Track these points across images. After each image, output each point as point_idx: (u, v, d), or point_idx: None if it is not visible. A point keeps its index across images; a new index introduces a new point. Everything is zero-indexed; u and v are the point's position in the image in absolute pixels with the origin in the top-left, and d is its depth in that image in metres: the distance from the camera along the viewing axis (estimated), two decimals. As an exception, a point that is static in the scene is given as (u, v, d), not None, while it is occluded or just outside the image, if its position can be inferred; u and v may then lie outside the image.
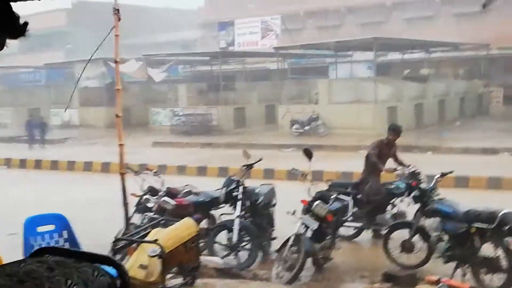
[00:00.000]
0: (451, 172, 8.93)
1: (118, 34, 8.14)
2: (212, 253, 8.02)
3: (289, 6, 41.33)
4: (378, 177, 9.44)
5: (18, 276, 1.11)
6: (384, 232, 8.57)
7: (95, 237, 7.65)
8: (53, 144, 25.63)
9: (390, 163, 9.69)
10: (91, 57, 9.45)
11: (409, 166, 9.23)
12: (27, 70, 45.28)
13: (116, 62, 8.27)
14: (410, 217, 9.05)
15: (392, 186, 9.37)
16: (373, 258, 8.53)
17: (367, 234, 9.60)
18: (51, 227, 5.36)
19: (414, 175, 8.94)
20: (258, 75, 37.48)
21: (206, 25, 47.53)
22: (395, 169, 9.36)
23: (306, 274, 7.53)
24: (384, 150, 9.49)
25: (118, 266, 1.66)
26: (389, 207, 9.46)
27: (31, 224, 5.23)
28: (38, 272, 1.28)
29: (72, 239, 5.45)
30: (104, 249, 6.10)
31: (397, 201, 9.41)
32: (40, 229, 5.29)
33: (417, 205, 8.83)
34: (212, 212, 9.09)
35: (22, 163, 20.55)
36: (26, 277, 1.10)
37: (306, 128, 24.21)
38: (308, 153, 8.54)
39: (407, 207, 9.09)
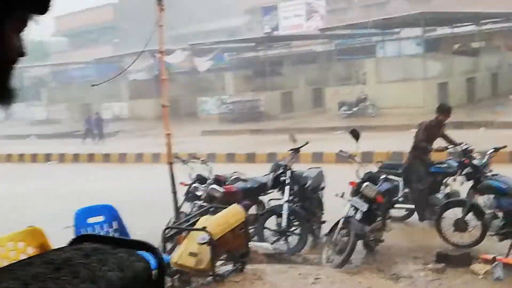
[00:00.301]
0: (504, 147, 8.68)
1: (162, 24, 8.20)
2: (261, 239, 8.03)
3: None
4: (426, 158, 9.24)
5: (55, 264, 1.13)
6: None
7: (146, 227, 7.78)
8: (104, 138, 26.16)
9: (440, 142, 9.47)
10: (142, 51, 9.55)
11: (461, 144, 8.99)
12: (78, 66, 46.29)
13: (161, 52, 8.33)
14: (463, 196, 8.84)
15: (444, 165, 9.16)
16: (426, 239, 8.38)
17: (420, 215, 9.43)
18: (101, 218, 5.47)
19: (466, 152, 8.70)
20: (305, 59, 37.23)
21: (251, 10, 47.48)
22: (446, 148, 9.14)
23: (357, 257, 7.45)
24: (433, 130, 9.27)
25: (154, 251, 1.68)
26: (442, 186, 9.26)
27: (82, 216, 5.35)
28: (74, 259, 1.30)
29: (122, 229, 5.55)
30: (155, 239, 6.20)
31: (450, 180, 9.19)
32: (91, 220, 5.40)
33: (471, 183, 8.62)
34: (261, 198, 9.10)
35: (76, 158, 21.05)
36: (62, 264, 1.13)
37: (355, 109, 23.95)
38: (355, 134, 8.42)
39: (461, 186, 8.88)
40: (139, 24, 36.22)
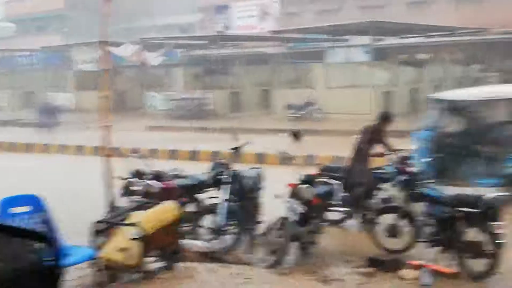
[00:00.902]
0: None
1: (107, 14, 8.02)
2: (197, 236, 7.98)
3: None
4: (366, 163, 9.36)
5: None
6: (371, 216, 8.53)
7: (77, 220, 7.60)
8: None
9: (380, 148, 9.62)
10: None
11: (399, 150, 9.17)
12: (24, 54, 45.09)
13: (104, 42, 8.16)
14: (399, 202, 9.01)
15: (382, 171, 9.32)
16: (360, 243, 8.49)
17: (356, 219, 9.56)
18: (26, 209, 5.30)
19: (404, 159, 8.90)
20: (255, 60, 37.29)
21: (205, 8, 47.31)
22: (382, 154, 9.29)
23: (291, 258, 7.49)
24: (373, 136, 9.40)
25: (50, 242, 1.61)
26: (378, 192, 9.40)
27: (5, 206, 5.17)
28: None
29: (48, 221, 5.39)
30: (86, 233, 6.07)
31: (386, 186, 9.35)
32: (15, 210, 5.22)
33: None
34: (199, 195, 9.03)
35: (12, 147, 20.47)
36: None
37: (302, 112, 24.15)
38: (296, 135, 8.47)
39: (398, 192, 9.06)
40: (90, 14, 35.58)
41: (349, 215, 9.50)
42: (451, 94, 11.01)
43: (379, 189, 9.39)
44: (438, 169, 9.79)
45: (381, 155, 9.35)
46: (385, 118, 9.52)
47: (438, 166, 9.93)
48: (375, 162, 9.84)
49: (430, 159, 10.13)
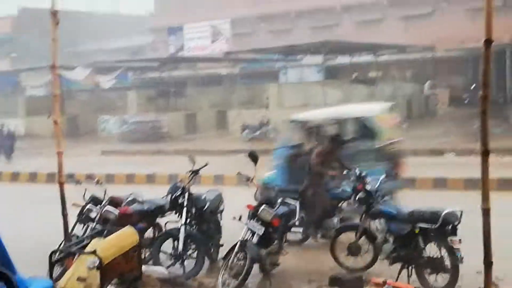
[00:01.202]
0: (396, 174, 9.01)
1: (56, 38, 7.88)
2: (157, 262, 7.84)
3: (239, 10, 41.34)
4: (322, 183, 9.45)
5: None
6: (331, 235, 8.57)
7: (32, 250, 7.39)
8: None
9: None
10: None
11: (354, 169, 9.27)
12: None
13: (53, 67, 7.99)
14: (357, 220, 9.10)
15: (338, 190, 9.41)
16: (321, 262, 8.50)
17: (314, 239, 9.59)
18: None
19: (360, 178, 9.00)
20: (209, 81, 37.36)
21: (156, 30, 47.11)
22: (341, 173, 9.38)
23: (253, 280, 7.43)
24: (327, 156, 9.51)
25: (7, 280, 1.54)
26: (336, 211, 9.47)
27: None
28: None
29: (1, 255, 5.18)
30: (42, 263, 5.88)
31: (344, 204, 9.44)
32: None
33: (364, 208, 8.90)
34: (158, 220, 8.91)
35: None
36: None
37: (257, 133, 24.22)
38: (253, 157, 8.46)
39: (355, 210, 9.16)
40: (38, 38, 35.01)
41: (307, 235, 9.54)
42: (304, 114, 11.63)
43: (337, 208, 9.47)
44: (290, 183, 10.37)
45: (337, 174, 9.46)
46: (336, 141, 9.66)
47: (290, 181, 10.52)
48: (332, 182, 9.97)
49: (284, 174, 11.03)
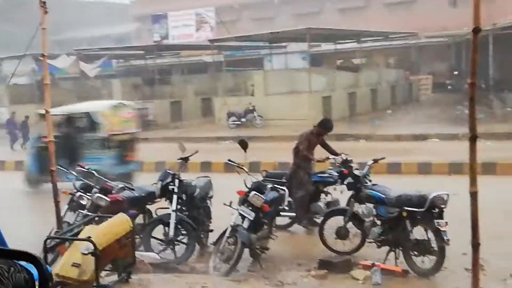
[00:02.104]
0: (382, 158, 9.15)
1: (46, 27, 7.88)
2: (148, 248, 7.92)
3: (223, -2, 41.29)
4: (309, 167, 9.58)
5: None
6: (319, 220, 8.70)
7: (26, 237, 7.44)
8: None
9: (321, 152, 9.85)
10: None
11: (340, 154, 9.43)
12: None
13: (43, 56, 8.00)
14: (343, 204, 9.27)
15: (325, 175, 9.54)
16: (310, 246, 8.65)
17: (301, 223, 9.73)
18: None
19: (346, 163, 9.18)
20: (194, 68, 37.31)
21: (140, 18, 46.89)
22: (327, 158, 9.53)
23: (244, 265, 7.55)
24: (313, 141, 9.63)
25: (36, 262, 1.61)
26: (322, 195, 9.61)
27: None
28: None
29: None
30: (36, 250, 5.94)
31: (330, 189, 9.58)
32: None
33: (350, 193, 9.08)
34: (148, 207, 8.99)
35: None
36: None
37: (243, 120, 24.28)
38: (243, 144, 8.57)
39: (341, 194, 9.34)
40: (22, 27, 34.67)
41: (294, 220, 9.67)
42: (55, 109, 12.24)
43: (324, 192, 9.61)
44: (41, 169, 12.29)
45: (324, 160, 9.60)
46: (324, 125, 9.76)
47: (41, 167, 12.29)
48: (319, 167, 10.10)
49: (35, 161, 13.35)
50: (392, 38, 31.96)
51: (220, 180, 10.19)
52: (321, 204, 9.45)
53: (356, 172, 8.29)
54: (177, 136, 21.26)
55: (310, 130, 9.77)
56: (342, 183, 9.26)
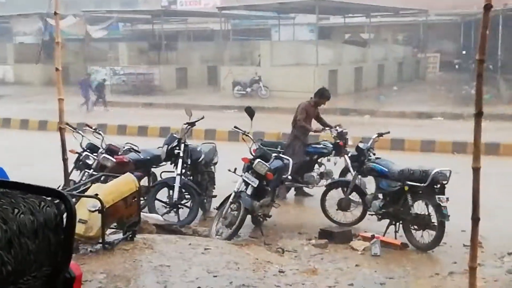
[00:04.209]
0: (387, 133, 9.23)
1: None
2: (152, 210, 8.04)
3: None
4: (306, 138, 9.68)
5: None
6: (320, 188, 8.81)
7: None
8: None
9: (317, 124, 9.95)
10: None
11: (335, 126, 9.57)
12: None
13: (56, 14, 8.00)
14: (336, 175, 9.43)
15: (320, 146, 9.65)
16: (311, 216, 8.76)
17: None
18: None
19: (342, 135, 9.33)
20: (201, 36, 37.07)
21: (148, -18, 46.46)
22: (323, 129, 9.63)
23: (245, 231, 7.67)
24: (310, 112, 9.71)
25: (64, 198, 1.69)
26: (316, 166, 9.73)
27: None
28: (-17, 202, 1.30)
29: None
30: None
31: (324, 160, 9.71)
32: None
33: (343, 164, 9.23)
34: (153, 169, 9.10)
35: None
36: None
37: (248, 90, 24.25)
38: (250, 112, 8.62)
39: (334, 165, 9.49)
40: (28, -15, 34.46)
41: (289, 188, 9.75)
42: None
43: (318, 163, 9.73)
44: None
45: (320, 131, 9.70)
46: (322, 95, 9.82)
47: None
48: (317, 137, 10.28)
49: None
50: (402, 14, 31.65)
51: (224, 148, 10.27)
52: (314, 174, 9.58)
53: (360, 145, 8.36)
54: (182, 102, 21.28)
55: (308, 101, 9.85)
56: (336, 154, 9.45)
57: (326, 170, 9.67)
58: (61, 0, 8.43)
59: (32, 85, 29.48)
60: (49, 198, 1.67)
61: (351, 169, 9.19)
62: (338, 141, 9.38)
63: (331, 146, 9.51)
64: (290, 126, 9.97)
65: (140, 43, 32.47)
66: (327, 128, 9.69)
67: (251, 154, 8.00)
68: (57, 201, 1.68)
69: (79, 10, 31.77)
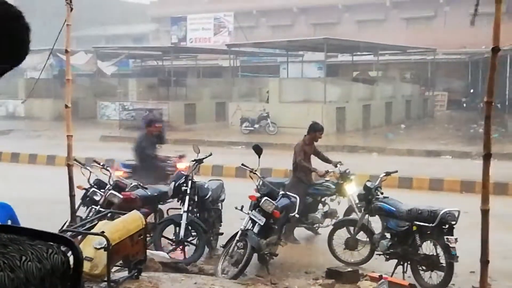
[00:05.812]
0: (395, 172, 9.17)
1: (70, 23, 8.01)
2: (158, 247, 8.00)
3: (243, 4, 41.45)
4: (307, 179, 9.62)
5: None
6: (328, 227, 8.75)
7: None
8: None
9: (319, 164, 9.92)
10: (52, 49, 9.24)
11: (337, 165, 9.54)
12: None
13: (67, 51, 8.12)
14: (340, 214, 9.39)
15: (322, 188, 9.61)
16: (318, 255, 8.69)
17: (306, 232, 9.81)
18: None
19: (345, 175, 9.30)
20: (210, 72, 37.45)
21: (159, 19, 47.17)
22: (327, 171, 9.57)
23: (252, 269, 7.61)
24: (307, 150, 9.69)
25: (72, 245, 1.69)
26: (320, 205, 9.68)
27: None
28: (-9, 249, 1.30)
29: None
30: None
31: (328, 199, 9.66)
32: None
33: (346, 204, 9.18)
34: (160, 206, 9.09)
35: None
36: (-20, 254, 1.13)
37: (256, 126, 24.33)
38: (257, 150, 8.63)
39: (338, 205, 9.44)
40: (43, 21, 34.99)
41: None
42: None
43: (322, 203, 9.68)
44: None
45: (325, 173, 9.57)
46: (313, 129, 9.82)
47: None
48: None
49: None
50: (410, 53, 31.91)
51: (232, 185, 10.25)
52: (318, 215, 9.55)
53: (368, 184, 8.33)
54: (190, 138, 21.37)
55: (302, 140, 9.82)
56: (340, 194, 9.41)
57: (330, 210, 9.63)
58: (72, 36, 8.56)
59: (42, 119, 29.76)
60: (55, 244, 1.67)
61: (355, 208, 9.15)
62: (342, 182, 9.38)
63: (334, 186, 9.49)
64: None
65: (150, 79, 32.80)
66: (330, 170, 9.67)
67: (258, 191, 7.98)
68: (65, 248, 1.68)
69: (90, 46, 32.23)
